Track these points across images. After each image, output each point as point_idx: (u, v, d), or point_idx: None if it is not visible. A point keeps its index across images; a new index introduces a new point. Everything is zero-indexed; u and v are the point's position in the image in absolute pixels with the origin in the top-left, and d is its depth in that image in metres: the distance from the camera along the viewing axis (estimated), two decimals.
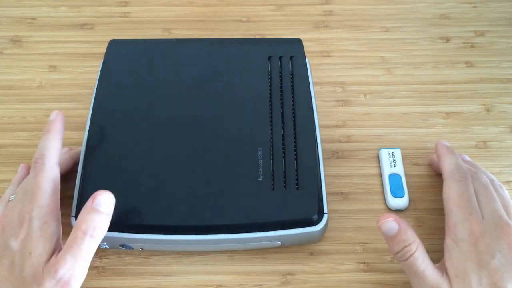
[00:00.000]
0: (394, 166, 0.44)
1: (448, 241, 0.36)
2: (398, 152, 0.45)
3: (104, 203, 0.34)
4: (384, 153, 0.45)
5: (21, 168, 0.42)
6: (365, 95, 0.49)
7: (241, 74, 0.44)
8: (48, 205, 0.34)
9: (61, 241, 0.34)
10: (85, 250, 0.32)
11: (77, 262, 0.32)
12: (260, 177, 0.38)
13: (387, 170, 0.44)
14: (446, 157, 0.40)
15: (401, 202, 0.42)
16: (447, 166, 0.39)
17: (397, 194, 0.42)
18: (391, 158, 0.44)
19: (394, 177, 0.43)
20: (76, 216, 0.37)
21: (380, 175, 0.44)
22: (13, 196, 0.37)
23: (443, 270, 0.34)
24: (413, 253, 0.34)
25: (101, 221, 0.33)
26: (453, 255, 0.35)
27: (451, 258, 0.35)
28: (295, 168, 0.39)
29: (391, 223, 0.35)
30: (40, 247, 0.32)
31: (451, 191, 0.38)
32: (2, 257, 0.33)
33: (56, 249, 0.33)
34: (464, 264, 0.34)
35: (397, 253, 0.35)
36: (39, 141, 0.38)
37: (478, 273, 0.33)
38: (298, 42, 0.46)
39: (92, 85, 0.44)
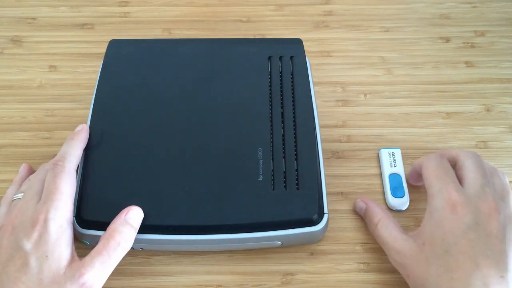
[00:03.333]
0: (394, 166, 0.44)
1: (426, 213, 0.36)
2: (398, 152, 0.45)
3: (135, 217, 0.36)
4: (384, 153, 0.45)
5: (22, 168, 0.42)
6: (365, 95, 0.49)
7: (241, 74, 0.44)
8: (64, 208, 0.35)
9: (74, 246, 0.35)
10: (114, 260, 0.34)
11: (104, 270, 0.33)
12: (260, 177, 0.38)
13: (387, 170, 0.44)
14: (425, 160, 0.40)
15: (401, 202, 0.42)
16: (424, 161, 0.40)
17: (397, 194, 0.42)
18: (391, 158, 0.44)
19: (394, 177, 0.43)
20: (76, 217, 0.37)
21: (380, 175, 0.44)
22: (19, 195, 0.37)
23: (414, 238, 0.35)
24: (377, 224, 0.38)
25: (132, 234, 0.35)
26: (425, 224, 0.36)
27: (423, 227, 0.36)
28: (295, 168, 0.39)
29: (359, 203, 0.41)
30: (57, 251, 0.33)
31: (428, 167, 0.38)
32: (13, 258, 0.32)
33: (73, 254, 0.34)
34: (434, 232, 0.34)
35: (369, 228, 0.40)
36: (62, 147, 0.38)
37: (446, 240, 0.33)
38: (298, 42, 0.46)
39: (92, 85, 0.44)
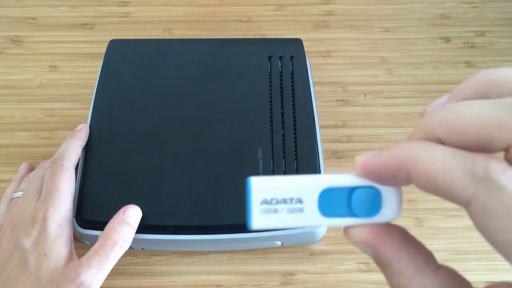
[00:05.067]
0: None
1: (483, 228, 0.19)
2: None
3: (133, 216, 0.35)
4: None
5: (22, 167, 0.42)
6: (365, 95, 0.49)
7: (241, 74, 0.44)
8: (63, 207, 0.35)
9: (73, 245, 0.35)
10: (112, 259, 0.33)
11: (102, 270, 0.33)
12: None
13: None
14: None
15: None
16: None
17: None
18: None
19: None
20: (76, 217, 0.37)
21: None
22: (18, 193, 0.37)
23: None
24: None
25: (130, 233, 0.34)
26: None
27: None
28: (295, 168, 0.39)
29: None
30: (56, 250, 0.33)
31: (434, 162, 0.18)
32: (13, 256, 0.33)
33: (71, 253, 0.33)
34: None
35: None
36: (62, 145, 0.38)
37: None
38: (298, 42, 0.46)
39: (92, 85, 0.44)
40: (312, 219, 0.19)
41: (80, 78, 0.50)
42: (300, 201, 0.19)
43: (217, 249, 0.40)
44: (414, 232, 0.39)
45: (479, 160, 0.16)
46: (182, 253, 0.40)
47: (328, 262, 0.40)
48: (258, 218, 0.19)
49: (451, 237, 0.41)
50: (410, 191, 0.44)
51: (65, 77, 0.51)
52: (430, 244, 0.39)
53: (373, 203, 0.19)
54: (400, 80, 0.50)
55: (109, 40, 0.46)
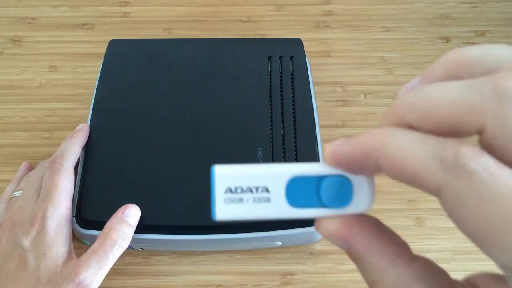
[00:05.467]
0: None
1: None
2: None
3: (132, 215, 0.35)
4: None
5: (22, 166, 0.42)
6: (365, 95, 0.49)
7: (241, 74, 0.44)
8: (62, 206, 0.35)
9: (72, 244, 0.35)
10: (111, 258, 0.33)
11: (101, 269, 0.33)
12: None
13: None
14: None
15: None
16: None
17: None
18: None
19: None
20: (76, 217, 0.37)
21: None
22: (18, 192, 0.37)
23: None
24: None
25: (129, 232, 0.34)
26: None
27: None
28: None
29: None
30: (55, 249, 0.33)
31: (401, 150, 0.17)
32: (11, 255, 0.33)
33: (70, 253, 0.33)
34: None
35: None
36: (61, 145, 0.38)
37: None
38: (298, 42, 0.46)
39: (92, 85, 0.44)
40: (280, 210, 0.18)
41: (80, 78, 0.50)
42: (266, 190, 0.18)
43: (217, 249, 0.40)
44: (414, 232, 0.40)
45: (449, 146, 0.15)
46: (182, 253, 0.40)
47: (328, 262, 0.40)
48: (222, 207, 0.18)
49: (451, 237, 0.41)
50: (410, 191, 0.44)
51: (65, 77, 0.51)
52: (430, 244, 0.39)
53: (344, 193, 0.18)
54: (400, 80, 0.50)
55: (109, 40, 0.46)
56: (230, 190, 0.18)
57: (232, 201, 0.18)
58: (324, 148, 0.18)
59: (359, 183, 0.18)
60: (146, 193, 0.37)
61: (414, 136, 0.16)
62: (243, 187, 0.18)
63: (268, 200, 0.18)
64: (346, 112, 0.48)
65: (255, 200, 0.18)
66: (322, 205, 0.18)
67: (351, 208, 0.18)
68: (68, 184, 0.36)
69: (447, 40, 0.53)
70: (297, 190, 0.18)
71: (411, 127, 0.16)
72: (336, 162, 0.18)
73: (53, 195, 0.34)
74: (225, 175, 0.18)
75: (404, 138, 0.16)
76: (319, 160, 0.39)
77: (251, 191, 0.18)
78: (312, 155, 0.39)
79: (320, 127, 0.43)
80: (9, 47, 0.53)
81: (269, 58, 0.45)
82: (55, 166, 0.36)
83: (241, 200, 0.18)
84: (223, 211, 0.18)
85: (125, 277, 0.39)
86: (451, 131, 0.15)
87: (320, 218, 0.18)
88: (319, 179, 0.18)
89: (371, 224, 0.18)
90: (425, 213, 0.42)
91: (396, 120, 0.17)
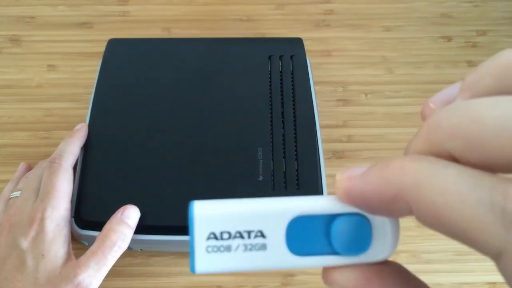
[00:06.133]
0: None
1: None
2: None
3: (132, 216, 0.35)
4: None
5: (21, 166, 0.42)
6: (366, 94, 0.49)
7: (241, 74, 0.43)
8: (61, 206, 0.34)
9: (71, 245, 0.34)
10: (110, 259, 0.33)
11: (100, 270, 0.32)
12: (261, 177, 0.38)
13: None
14: None
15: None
16: None
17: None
18: None
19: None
20: (75, 218, 0.36)
21: None
22: (16, 193, 0.37)
23: None
24: None
25: (128, 233, 0.34)
26: None
27: None
28: (296, 168, 0.38)
29: None
30: (54, 250, 0.33)
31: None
32: (10, 256, 0.32)
33: (69, 253, 0.33)
34: None
35: None
36: (60, 145, 0.38)
37: None
38: (298, 41, 0.46)
39: (91, 85, 0.44)
40: (279, 259, 0.14)
41: (79, 77, 0.50)
42: (261, 234, 0.14)
43: None
44: (415, 233, 0.39)
45: None
46: (181, 254, 0.40)
47: None
48: (203, 258, 0.14)
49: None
50: None
51: (63, 77, 0.50)
52: (431, 245, 0.39)
53: (361, 236, 0.14)
54: (401, 80, 0.50)
55: (108, 39, 0.46)
56: (214, 236, 0.14)
57: (217, 249, 0.14)
58: (335, 179, 0.14)
59: (380, 223, 0.14)
60: (145, 193, 0.37)
61: (461, 173, 0.11)
62: (231, 232, 0.14)
63: (263, 247, 0.14)
64: (346, 111, 0.48)
65: (247, 248, 0.14)
66: (333, 251, 0.15)
67: (369, 255, 0.14)
68: (66, 185, 0.35)
69: (449, 39, 0.53)
70: (300, 233, 0.14)
71: (453, 158, 0.12)
72: (352, 200, 0.13)
73: (52, 195, 0.34)
74: (207, 217, 0.14)
75: (448, 177, 0.11)
76: (319, 163, 0.39)
77: (241, 236, 0.14)
78: (312, 155, 0.39)
79: (321, 126, 0.43)
80: (8, 46, 0.52)
81: (269, 57, 0.44)
82: (53, 166, 0.36)
83: (228, 248, 0.14)
84: (204, 263, 0.14)
85: (124, 278, 0.39)
86: (510, 167, 0.11)
87: (330, 268, 0.15)
88: (329, 218, 0.14)
89: (394, 275, 0.14)
90: None
91: (431, 147, 0.13)
